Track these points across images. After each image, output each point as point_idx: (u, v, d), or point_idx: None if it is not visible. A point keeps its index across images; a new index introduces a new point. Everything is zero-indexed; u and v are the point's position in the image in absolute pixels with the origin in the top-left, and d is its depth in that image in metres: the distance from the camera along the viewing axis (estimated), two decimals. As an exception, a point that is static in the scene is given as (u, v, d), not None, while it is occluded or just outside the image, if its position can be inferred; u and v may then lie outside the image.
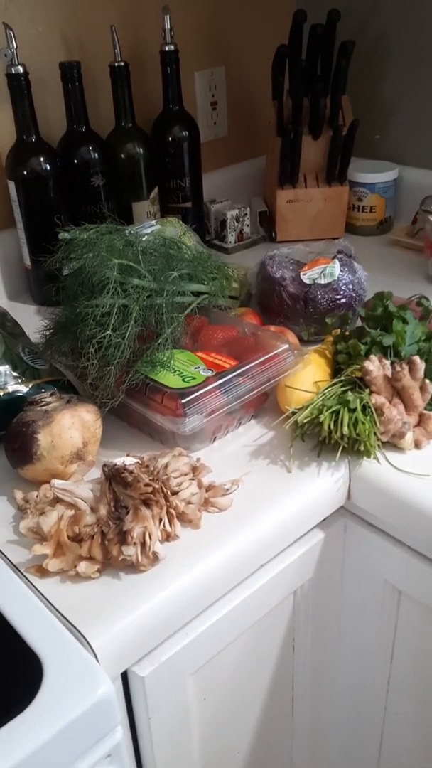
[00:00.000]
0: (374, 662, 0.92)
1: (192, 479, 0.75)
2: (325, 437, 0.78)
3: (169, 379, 0.79)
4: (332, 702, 1.00)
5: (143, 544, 0.66)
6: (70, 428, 0.75)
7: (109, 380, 0.77)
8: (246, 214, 1.34)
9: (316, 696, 0.96)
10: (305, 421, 0.79)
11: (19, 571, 0.68)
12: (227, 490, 0.76)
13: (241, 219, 1.34)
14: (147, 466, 0.74)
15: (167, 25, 1.16)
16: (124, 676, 0.68)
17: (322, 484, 0.78)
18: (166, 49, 1.17)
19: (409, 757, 0.95)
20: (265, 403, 0.89)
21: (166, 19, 1.15)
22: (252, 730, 0.89)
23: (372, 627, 0.89)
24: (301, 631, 0.88)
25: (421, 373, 0.80)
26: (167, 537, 0.70)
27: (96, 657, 0.61)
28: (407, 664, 0.88)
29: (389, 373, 0.81)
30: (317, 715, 0.98)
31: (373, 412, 0.79)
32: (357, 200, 1.36)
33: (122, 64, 1.13)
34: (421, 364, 0.80)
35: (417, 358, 0.80)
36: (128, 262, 0.79)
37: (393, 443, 0.80)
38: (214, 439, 0.84)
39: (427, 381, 0.82)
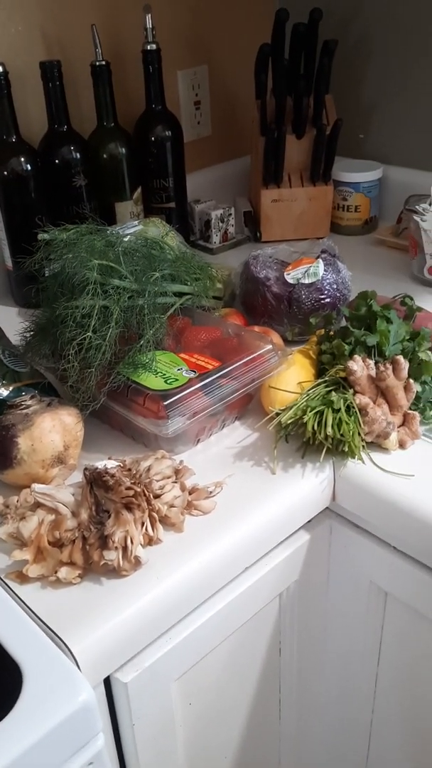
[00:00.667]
0: (361, 664, 0.91)
1: (175, 482, 0.74)
2: (310, 438, 0.78)
3: (151, 381, 0.78)
4: (319, 704, 0.99)
5: (125, 548, 0.65)
6: (51, 431, 0.74)
7: (90, 382, 0.76)
8: (230, 214, 1.33)
9: (303, 698, 0.95)
10: (289, 422, 0.79)
11: (-1, 577, 0.67)
12: (211, 492, 0.75)
13: (225, 219, 1.33)
14: (129, 470, 0.74)
15: (149, 24, 1.15)
16: (107, 682, 0.67)
17: (307, 485, 0.78)
18: (148, 48, 1.16)
19: (397, 758, 0.94)
20: (249, 405, 0.88)
21: (148, 17, 1.14)
22: (239, 734, 0.88)
23: (358, 628, 0.89)
24: (287, 633, 0.87)
25: (405, 372, 0.80)
26: (150, 541, 0.69)
27: (77, 663, 0.60)
28: (394, 666, 0.87)
29: (373, 373, 0.80)
30: (304, 718, 0.98)
31: (358, 412, 0.78)
32: (342, 200, 1.36)
33: (103, 63, 1.12)
34: (405, 364, 0.80)
35: (401, 358, 0.80)
36: (109, 263, 0.78)
37: (378, 443, 0.80)
38: (198, 441, 0.83)
39: (411, 381, 0.81)
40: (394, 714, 0.91)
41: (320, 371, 0.88)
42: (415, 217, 1.12)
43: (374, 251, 1.31)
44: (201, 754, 0.82)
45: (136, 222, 1.06)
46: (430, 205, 1.12)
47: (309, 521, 0.82)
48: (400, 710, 0.90)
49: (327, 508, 0.82)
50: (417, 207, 1.13)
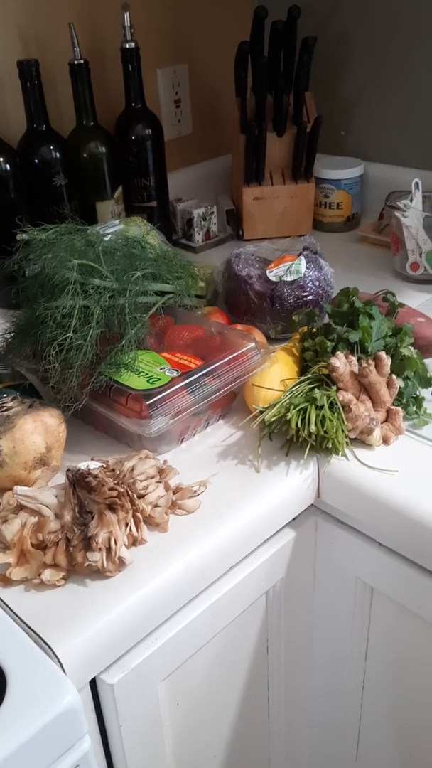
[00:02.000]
0: (349, 660, 0.91)
1: (159, 482, 0.74)
2: (293, 435, 0.78)
3: (133, 380, 0.78)
4: (308, 701, 0.99)
5: (109, 549, 0.65)
6: (33, 433, 0.73)
7: (72, 383, 0.75)
8: (213, 213, 1.33)
9: (291, 696, 0.95)
10: (272, 419, 0.78)
11: (-18, 581, 0.66)
12: (195, 491, 0.75)
13: (207, 217, 1.33)
14: (113, 470, 0.73)
15: (127, 22, 1.14)
16: (94, 684, 0.67)
17: (291, 482, 0.77)
18: (127, 46, 1.16)
19: (387, 752, 0.95)
20: (233, 403, 0.88)
21: (126, 16, 1.14)
22: (228, 732, 0.88)
23: (345, 625, 0.89)
24: (274, 631, 0.87)
25: (387, 368, 0.80)
26: (134, 541, 0.69)
27: (62, 666, 0.59)
28: (381, 661, 0.88)
29: (356, 369, 0.80)
30: (293, 715, 0.98)
31: (341, 409, 0.78)
32: (324, 197, 1.36)
33: (81, 61, 1.11)
34: (387, 360, 0.80)
35: (383, 354, 0.80)
36: (89, 263, 0.78)
37: (361, 440, 0.80)
38: (182, 440, 0.83)
39: (394, 376, 0.81)
40: (382, 709, 0.92)
41: (303, 368, 0.88)
42: (396, 214, 1.13)
43: (357, 248, 1.32)
44: (189, 754, 0.82)
45: (117, 221, 1.05)
46: (411, 201, 1.13)
47: (294, 519, 0.82)
48: (389, 705, 0.90)
49: (312, 505, 0.82)
50: (398, 203, 1.13)
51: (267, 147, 1.25)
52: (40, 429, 0.74)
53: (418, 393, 0.84)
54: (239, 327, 0.95)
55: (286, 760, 1.01)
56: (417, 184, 1.13)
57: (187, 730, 0.80)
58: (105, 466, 0.73)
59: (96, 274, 0.79)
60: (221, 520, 0.72)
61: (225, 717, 0.86)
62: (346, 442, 0.79)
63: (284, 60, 1.24)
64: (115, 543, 0.65)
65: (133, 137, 1.21)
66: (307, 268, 0.98)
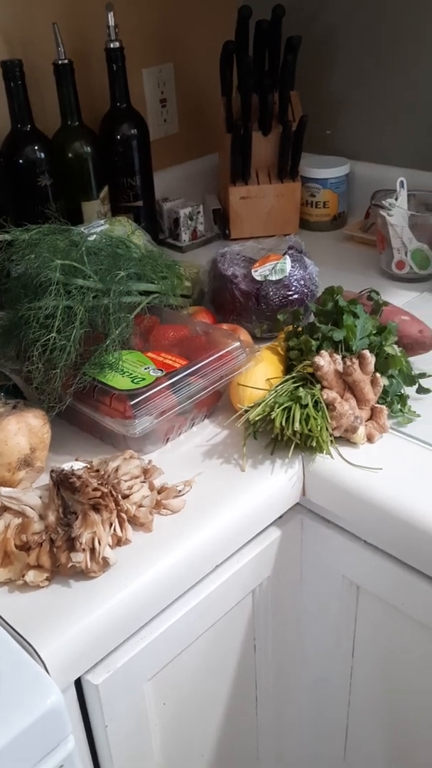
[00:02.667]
0: (336, 658, 0.91)
1: (143, 482, 0.74)
2: (278, 434, 0.78)
3: (117, 380, 0.78)
4: (296, 699, 0.99)
5: (92, 549, 0.65)
6: (17, 434, 0.73)
7: (56, 384, 0.75)
8: (199, 212, 1.33)
9: (279, 694, 0.96)
10: (257, 418, 0.79)
11: (-34, 582, 0.66)
12: (180, 491, 0.75)
13: (194, 217, 1.33)
14: (97, 470, 0.73)
15: (111, 22, 1.14)
16: (79, 684, 0.67)
17: (276, 481, 0.78)
18: (111, 46, 1.16)
19: (374, 749, 0.95)
20: (218, 402, 0.88)
21: (110, 15, 1.14)
22: (216, 731, 0.88)
23: (332, 622, 0.89)
24: (261, 629, 0.87)
25: (371, 367, 0.80)
26: (118, 542, 0.69)
27: (45, 667, 0.59)
28: (368, 658, 0.88)
29: (340, 367, 0.80)
30: (282, 713, 0.98)
31: (325, 407, 0.78)
32: (310, 196, 1.36)
33: (66, 61, 1.11)
34: (371, 358, 0.80)
35: (367, 352, 0.80)
36: (72, 263, 0.77)
37: (346, 438, 0.80)
38: (167, 440, 0.83)
39: (378, 375, 0.82)
40: (369, 705, 0.92)
41: (289, 367, 0.88)
42: (382, 212, 1.13)
43: (343, 247, 1.32)
44: (177, 753, 0.82)
45: (102, 221, 1.05)
46: (396, 199, 1.13)
47: (280, 517, 0.82)
48: (376, 702, 0.91)
49: (298, 503, 0.82)
50: (383, 202, 1.14)
51: (253, 146, 1.25)
52: (24, 430, 0.74)
53: (402, 391, 0.85)
54: (225, 326, 0.95)
55: (275, 757, 1.01)
56: (402, 182, 1.13)
57: (175, 729, 0.80)
58: (89, 466, 0.73)
59: (79, 275, 0.79)
60: (206, 520, 0.72)
61: (213, 716, 0.87)
62: (331, 441, 0.79)
63: (269, 59, 1.24)
64: (99, 543, 0.65)
65: (118, 137, 1.21)
66: (292, 267, 0.98)
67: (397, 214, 1.12)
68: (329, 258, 1.26)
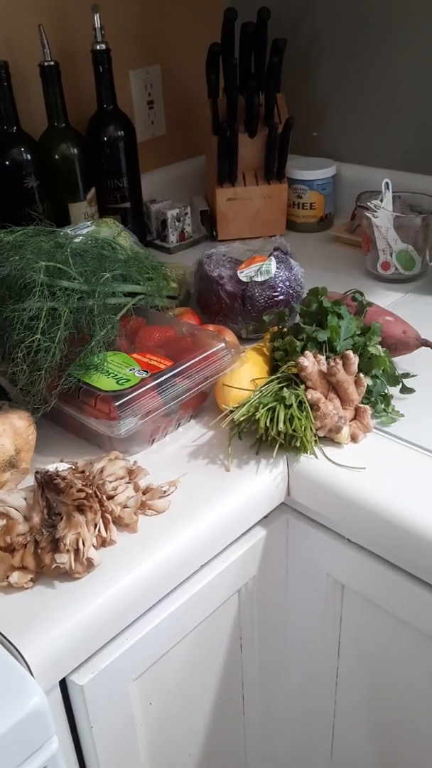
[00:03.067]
0: (322, 656, 0.92)
1: (128, 483, 0.74)
2: (262, 434, 0.79)
3: (102, 381, 0.78)
4: (283, 698, 1.00)
5: (77, 550, 0.65)
6: (2, 436, 0.73)
7: (41, 385, 0.75)
8: (187, 214, 1.34)
9: (266, 693, 0.96)
10: (242, 419, 0.79)
11: None
12: (165, 492, 0.75)
13: (181, 218, 1.33)
14: (82, 472, 0.73)
15: (97, 24, 1.14)
16: (64, 685, 0.67)
17: (261, 481, 0.78)
18: (98, 47, 1.16)
19: (361, 747, 0.96)
20: (204, 403, 0.88)
21: (96, 17, 1.14)
22: (203, 731, 0.88)
23: (318, 621, 0.90)
24: (247, 629, 0.88)
25: (354, 367, 0.81)
26: (103, 542, 0.69)
27: (29, 668, 0.59)
28: (354, 657, 0.88)
29: (324, 368, 0.81)
30: (269, 712, 0.99)
31: (309, 407, 0.79)
32: (297, 197, 1.37)
33: (52, 63, 1.11)
34: (354, 359, 0.81)
35: (350, 353, 0.81)
36: (57, 264, 0.78)
37: (330, 438, 0.81)
38: (153, 441, 0.83)
39: (362, 375, 0.82)
40: (356, 703, 0.92)
41: (274, 368, 0.88)
42: (367, 214, 1.14)
43: (330, 248, 1.33)
44: (164, 753, 0.82)
45: (88, 223, 1.06)
46: (381, 201, 1.14)
47: (265, 517, 0.82)
48: (362, 700, 0.91)
49: (283, 503, 0.83)
50: (369, 203, 1.14)
51: (240, 148, 1.26)
52: (8, 431, 0.74)
53: (386, 391, 0.85)
54: (211, 327, 0.96)
55: (262, 756, 1.02)
56: (387, 184, 1.14)
57: (161, 729, 0.80)
58: (74, 467, 0.73)
59: (64, 276, 0.79)
60: (191, 520, 0.73)
61: (200, 716, 0.87)
62: (315, 441, 0.80)
63: (255, 61, 1.25)
64: (83, 544, 0.65)
65: (105, 139, 1.21)
66: (277, 268, 0.99)
67: (382, 215, 1.12)
68: (316, 259, 1.27)
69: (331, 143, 1.42)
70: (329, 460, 0.79)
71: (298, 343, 0.85)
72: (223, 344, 0.85)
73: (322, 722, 0.99)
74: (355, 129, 1.38)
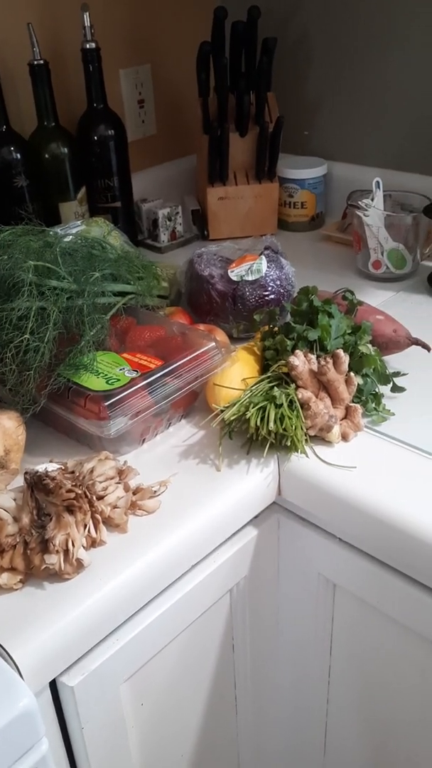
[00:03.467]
0: (314, 656, 0.92)
1: (118, 483, 0.74)
2: (253, 434, 0.78)
3: (92, 381, 0.78)
4: (275, 698, 1.00)
5: (66, 551, 0.65)
6: (-10, 436, 0.73)
7: (30, 385, 0.75)
8: (178, 213, 1.33)
9: (258, 693, 0.96)
10: (232, 418, 0.79)
11: None
12: (155, 492, 0.75)
13: (173, 218, 1.33)
14: (72, 472, 0.73)
15: (87, 23, 1.14)
16: (54, 687, 0.67)
17: (252, 481, 0.78)
18: (87, 46, 1.15)
19: (353, 745, 0.96)
20: (195, 403, 0.88)
21: (86, 16, 1.13)
22: (195, 731, 0.88)
23: (309, 621, 0.89)
24: (239, 629, 0.88)
25: (345, 366, 0.81)
26: (93, 543, 0.69)
27: (18, 669, 0.59)
28: (345, 655, 0.88)
29: (315, 367, 0.81)
30: (261, 712, 0.98)
31: (299, 406, 0.79)
32: (288, 196, 1.37)
33: (41, 62, 1.11)
34: (345, 358, 0.81)
35: (340, 352, 0.81)
36: (45, 264, 0.77)
37: (321, 437, 0.81)
38: (143, 441, 0.83)
39: (352, 374, 0.82)
40: (348, 702, 0.92)
41: (265, 367, 0.88)
42: (358, 213, 1.14)
43: (321, 247, 1.33)
44: (156, 753, 0.82)
45: (78, 222, 1.05)
46: (372, 200, 1.14)
47: (256, 516, 0.82)
48: (354, 698, 0.91)
49: (274, 502, 0.83)
50: (359, 202, 1.14)
51: (230, 147, 1.25)
52: (-3, 432, 0.73)
53: (376, 390, 0.85)
54: (202, 327, 0.96)
55: (255, 756, 1.01)
56: (378, 183, 1.14)
57: (153, 730, 0.80)
58: (64, 468, 0.73)
59: (53, 276, 0.79)
60: (182, 520, 0.72)
61: (192, 716, 0.87)
62: (306, 440, 0.79)
63: (246, 60, 1.24)
64: (73, 545, 0.65)
65: (95, 138, 1.21)
66: (268, 267, 0.99)
67: (373, 214, 1.12)
68: (307, 258, 1.27)
69: (322, 142, 1.42)
70: (320, 459, 0.78)
71: (288, 342, 0.85)
72: (213, 343, 0.85)
73: (315, 721, 0.98)
74: (346, 128, 1.38)
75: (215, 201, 1.30)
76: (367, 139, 1.35)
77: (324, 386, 0.81)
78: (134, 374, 0.80)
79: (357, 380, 0.83)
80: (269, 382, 0.82)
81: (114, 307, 0.86)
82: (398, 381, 0.87)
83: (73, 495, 0.67)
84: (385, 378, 0.86)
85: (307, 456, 0.79)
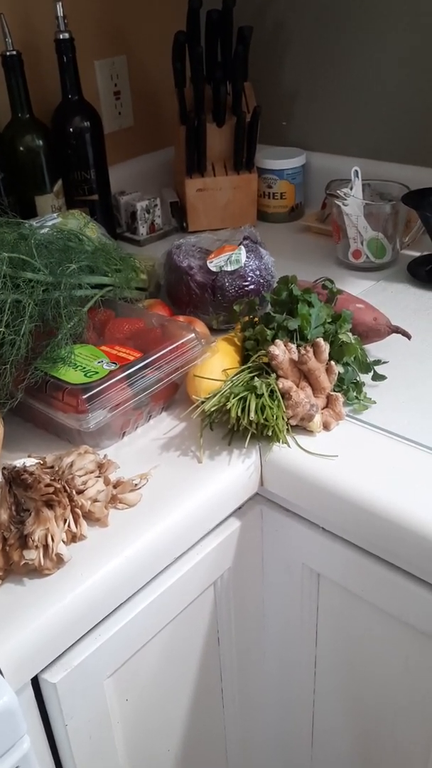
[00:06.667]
0: (300, 646, 0.92)
1: (98, 477, 0.73)
2: (234, 425, 0.78)
3: (70, 375, 0.77)
4: (262, 689, 0.99)
5: (46, 546, 0.64)
6: (-33, 432, 0.71)
7: (6, 379, 0.74)
8: (156, 205, 1.32)
9: (245, 685, 0.96)
10: (213, 409, 0.78)
11: None
12: (136, 485, 0.74)
13: (151, 210, 1.32)
14: (51, 467, 0.72)
15: (60, 12, 1.12)
16: (37, 683, 0.66)
17: (234, 472, 0.77)
18: (61, 37, 1.14)
19: (341, 734, 0.96)
20: (175, 395, 0.87)
21: (59, 6, 1.12)
22: (181, 726, 0.88)
23: (295, 611, 0.89)
24: (224, 621, 0.87)
25: (325, 355, 0.81)
26: (73, 538, 0.68)
27: (-2, 667, 0.58)
28: (331, 646, 0.88)
29: (296, 356, 0.80)
30: (248, 704, 0.98)
31: (280, 396, 0.78)
32: (267, 187, 1.36)
33: (14, 53, 1.09)
34: (325, 347, 0.80)
35: (321, 341, 0.80)
36: (20, 256, 0.76)
37: (302, 426, 0.80)
38: (123, 434, 0.82)
39: (333, 363, 0.82)
40: (334, 691, 0.92)
41: (245, 358, 0.87)
42: (337, 202, 1.13)
43: (301, 238, 1.32)
44: (142, 749, 0.82)
45: (54, 215, 1.04)
46: (350, 189, 1.13)
47: (239, 508, 0.82)
48: (340, 687, 0.91)
49: (257, 493, 0.82)
50: (338, 191, 1.14)
51: (208, 138, 1.25)
52: (-26, 427, 0.72)
53: (357, 378, 0.85)
54: (181, 319, 0.95)
55: (243, 747, 1.01)
56: (356, 172, 1.14)
57: (138, 725, 0.80)
58: (42, 462, 0.72)
59: (28, 268, 0.78)
60: (164, 513, 0.72)
61: (178, 710, 0.86)
62: (287, 429, 0.79)
63: (221, 50, 1.23)
64: (53, 540, 0.64)
65: (71, 130, 1.19)
66: (247, 257, 0.98)
67: (352, 203, 1.12)
68: (287, 249, 1.26)
69: (301, 132, 1.42)
70: (302, 448, 0.78)
71: (268, 332, 0.85)
72: (193, 335, 0.84)
73: (302, 711, 0.98)
74: (324, 118, 1.37)
75: (194, 193, 1.29)
76: (345, 128, 1.35)
77: (305, 375, 0.81)
78: (113, 366, 0.79)
79: (338, 369, 0.82)
80: (250, 373, 0.82)
81: (91, 300, 0.85)
82: (379, 369, 0.87)
83: (51, 489, 0.66)
84: (366, 366, 0.86)
85: (288, 446, 0.79)
